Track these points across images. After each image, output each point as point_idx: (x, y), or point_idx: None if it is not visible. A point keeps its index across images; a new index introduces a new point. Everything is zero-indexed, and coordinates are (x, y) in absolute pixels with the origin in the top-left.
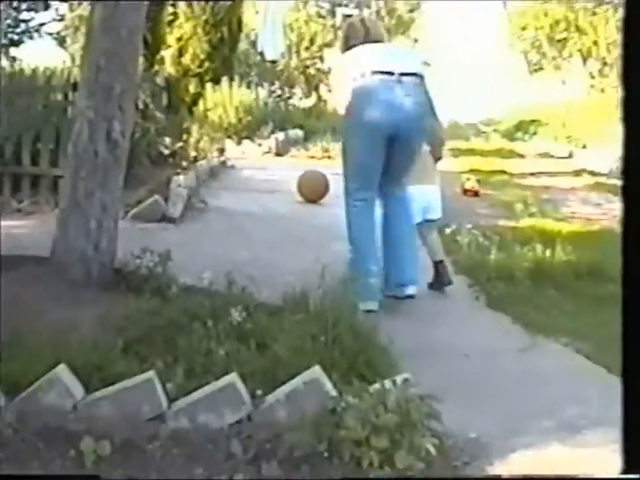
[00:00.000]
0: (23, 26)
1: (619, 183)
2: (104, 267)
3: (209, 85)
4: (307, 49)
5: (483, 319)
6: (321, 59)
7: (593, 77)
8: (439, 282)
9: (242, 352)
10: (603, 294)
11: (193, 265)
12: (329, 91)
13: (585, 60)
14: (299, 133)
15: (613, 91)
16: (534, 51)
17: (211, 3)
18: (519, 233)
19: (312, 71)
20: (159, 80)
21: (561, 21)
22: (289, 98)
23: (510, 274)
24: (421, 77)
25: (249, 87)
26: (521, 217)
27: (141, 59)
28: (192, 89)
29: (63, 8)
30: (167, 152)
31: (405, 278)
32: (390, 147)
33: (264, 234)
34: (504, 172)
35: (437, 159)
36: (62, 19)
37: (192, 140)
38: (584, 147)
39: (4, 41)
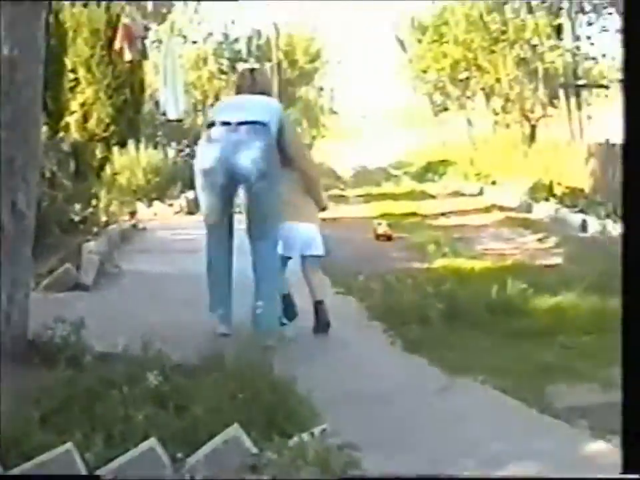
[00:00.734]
0: None
1: (528, 215)
2: (17, 340)
3: (115, 149)
4: (212, 105)
5: (400, 363)
6: None
7: (496, 114)
8: (319, 323)
9: (160, 415)
10: (517, 328)
11: (108, 332)
12: None
13: (488, 97)
14: None
15: (517, 126)
16: (438, 92)
17: (110, 67)
18: (433, 274)
19: None
20: (65, 146)
21: (460, 61)
22: None
23: (424, 316)
24: (263, 124)
25: (156, 147)
26: (433, 257)
27: (45, 127)
28: (99, 153)
29: None
30: (76, 219)
31: (263, 325)
32: (235, 190)
33: (179, 294)
34: (416, 214)
35: (322, 209)
36: None
37: (101, 205)
38: (493, 182)
39: None
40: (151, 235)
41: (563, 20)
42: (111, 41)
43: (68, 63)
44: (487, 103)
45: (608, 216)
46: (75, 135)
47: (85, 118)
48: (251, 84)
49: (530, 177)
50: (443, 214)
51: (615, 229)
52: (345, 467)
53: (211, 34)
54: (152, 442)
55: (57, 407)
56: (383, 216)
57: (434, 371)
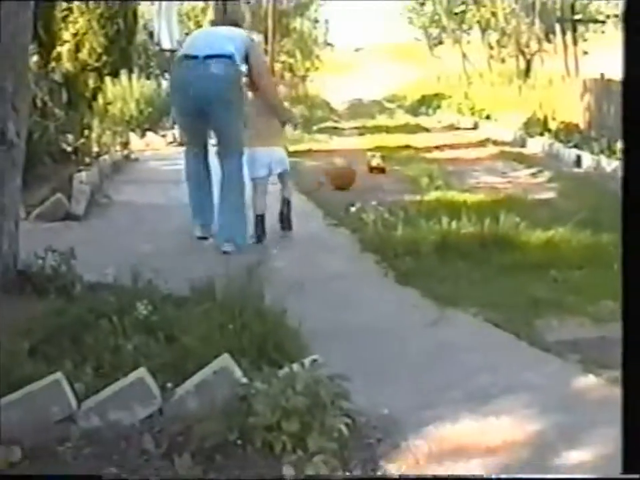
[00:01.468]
0: None
1: (522, 150)
2: (7, 270)
3: (108, 79)
4: None
5: (392, 295)
6: None
7: (492, 48)
8: (283, 219)
9: (150, 345)
10: (509, 262)
11: (98, 262)
12: None
13: (483, 31)
14: None
15: (512, 60)
16: (433, 25)
17: None
18: (425, 206)
19: None
20: (57, 76)
21: None
22: None
23: (417, 248)
24: (228, 57)
25: (149, 77)
26: (426, 190)
27: (37, 57)
28: (91, 83)
29: None
30: (68, 149)
31: (223, 235)
32: (206, 117)
33: (169, 225)
34: (409, 147)
35: (282, 123)
36: None
37: (94, 135)
38: (487, 117)
39: None
40: (143, 165)
41: None
42: None
43: None
44: (482, 37)
45: (602, 151)
46: (67, 64)
47: (77, 48)
48: (222, 16)
49: (524, 112)
50: (436, 147)
51: (609, 164)
52: (335, 397)
53: None
54: (141, 372)
55: (47, 337)
56: (376, 148)
57: (426, 302)
